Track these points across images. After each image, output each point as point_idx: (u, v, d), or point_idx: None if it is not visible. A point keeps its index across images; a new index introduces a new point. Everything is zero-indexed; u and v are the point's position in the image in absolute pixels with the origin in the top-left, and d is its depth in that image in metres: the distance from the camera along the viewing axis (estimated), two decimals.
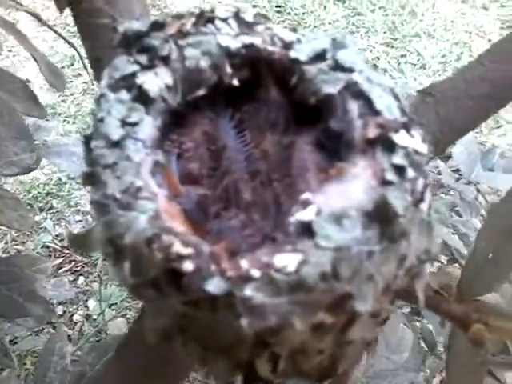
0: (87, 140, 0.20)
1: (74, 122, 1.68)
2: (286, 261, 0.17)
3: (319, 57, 0.20)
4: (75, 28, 0.31)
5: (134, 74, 0.20)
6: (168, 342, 0.20)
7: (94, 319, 1.36)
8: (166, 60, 0.20)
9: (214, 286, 0.17)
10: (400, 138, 0.19)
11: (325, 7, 2.07)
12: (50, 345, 0.68)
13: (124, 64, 0.20)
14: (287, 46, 0.21)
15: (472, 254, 0.27)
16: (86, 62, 0.32)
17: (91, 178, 0.19)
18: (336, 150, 0.20)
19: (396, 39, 1.99)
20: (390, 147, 0.19)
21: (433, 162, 1.04)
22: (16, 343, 1.12)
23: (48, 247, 1.46)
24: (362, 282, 0.18)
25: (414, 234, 0.19)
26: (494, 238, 0.27)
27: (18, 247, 1.46)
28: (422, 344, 0.81)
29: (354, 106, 0.19)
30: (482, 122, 0.29)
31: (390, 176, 0.18)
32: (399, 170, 0.18)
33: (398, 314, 0.80)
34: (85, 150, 0.20)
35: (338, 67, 0.20)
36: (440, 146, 0.27)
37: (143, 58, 0.20)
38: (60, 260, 1.44)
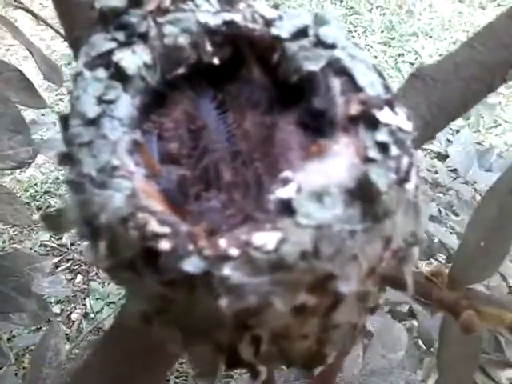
0: (64, 119, 0.19)
1: None
2: (265, 239, 0.16)
3: (301, 33, 0.20)
4: None
5: (110, 52, 0.19)
6: (148, 326, 0.19)
7: (92, 318, 1.36)
8: (144, 37, 0.20)
9: (192, 265, 0.16)
10: (383, 115, 0.18)
11: (322, 6, 2.06)
12: (45, 341, 0.68)
13: (101, 41, 0.20)
14: (268, 23, 0.20)
15: (463, 242, 0.27)
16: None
17: (67, 158, 0.19)
18: (320, 129, 0.19)
19: (393, 38, 1.99)
20: (373, 124, 0.18)
21: (429, 160, 1.03)
22: (13, 341, 1.12)
23: (46, 246, 1.46)
24: (345, 261, 0.17)
25: (399, 214, 0.19)
26: (485, 228, 0.27)
27: (15, 246, 1.45)
28: (419, 344, 0.80)
29: (336, 83, 0.19)
30: (473, 105, 0.29)
31: (373, 153, 0.18)
32: (382, 148, 0.18)
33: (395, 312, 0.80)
34: (62, 129, 0.19)
35: (319, 44, 0.19)
36: (430, 130, 0.27)
37: (120, 35, 0.20)
38: (58, 258, 1.43)
